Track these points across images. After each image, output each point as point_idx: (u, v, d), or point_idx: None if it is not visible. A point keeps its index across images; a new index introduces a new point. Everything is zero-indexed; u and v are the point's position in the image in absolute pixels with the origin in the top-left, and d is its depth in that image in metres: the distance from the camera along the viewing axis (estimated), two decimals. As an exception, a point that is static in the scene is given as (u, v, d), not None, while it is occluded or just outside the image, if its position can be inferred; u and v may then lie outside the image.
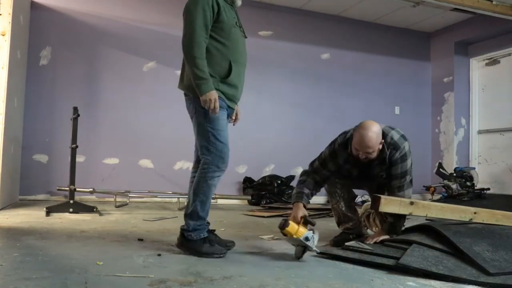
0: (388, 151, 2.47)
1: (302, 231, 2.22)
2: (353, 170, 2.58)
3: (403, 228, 2.59)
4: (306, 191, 2.53)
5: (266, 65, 5.77)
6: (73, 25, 4.98)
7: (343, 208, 2.65)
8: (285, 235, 2.25)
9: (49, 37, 4.88)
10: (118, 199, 4.55)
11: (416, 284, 1.78)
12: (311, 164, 2.67)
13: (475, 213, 2.58)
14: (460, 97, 6.41)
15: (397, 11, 5.98)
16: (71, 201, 3.76)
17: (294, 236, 2.21)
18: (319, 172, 2.60)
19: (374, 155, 2.42)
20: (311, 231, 2.25)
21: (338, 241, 2.58)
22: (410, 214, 2.50)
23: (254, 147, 5.64)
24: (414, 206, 2.45)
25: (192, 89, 2.33)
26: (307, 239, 2.20)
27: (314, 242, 2.23)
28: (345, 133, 2.61)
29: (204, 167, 2.36)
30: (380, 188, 2.65)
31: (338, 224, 2.70)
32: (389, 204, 2.39)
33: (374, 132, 2.38)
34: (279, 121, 5.82)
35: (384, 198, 2.37)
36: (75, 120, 3.87)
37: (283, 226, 2.22)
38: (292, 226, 2.22)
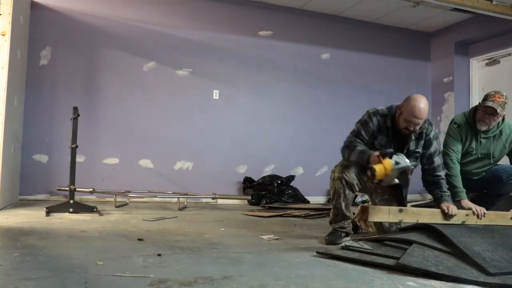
0: (426, 125, 2.67)
1: (388, 163, 2.34)
2: (389, 145, 2.66)
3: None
4: (364, 146, 2.64)
5: (266, 65, 5.77)
6: (73, 25, 4.98)
7: (344, 207, 2.67)
8: (381, 180, 2.40)
9: (49, 37, 4.88)
10: (118, 199, 4.55)
11: (416, 284, 1.78)
12: (345, 139, 2.76)
13: (466, 215, 2.59)
14: (460, 97, 6.40)
15: (397, 11, 5.98)
16: (71, 201, 3.76)
17: (389, 173, 2.33)
18: (356, 141, 2.70)
19: (419, 127, 2.60)
20: (394, 155, 2.39)
21: (332, 240, 2.63)
22: (400, 222, 2.52)
23: (254, 147, 5.64)
24: (404, 213, 2.47)
25: None
26: (397, 163, 2.35)
27: (404, 159, 2.39)
28: (372, 110, 2.74)
29: None
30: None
31: (332, 221, 2.72)
32: (378, 213, 2.41)
33: (425, 103, 2.56)
34: (279, 121, 5.82)
35: (371, 208, 2.38)
36: (75, 120, 3.87)
37: (373, 176, 2.34)
38: (379, 168, 2.34)
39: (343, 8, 5.98)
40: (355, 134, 2.73)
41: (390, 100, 6.99)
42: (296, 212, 4.22)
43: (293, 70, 5.94)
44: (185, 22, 5.44)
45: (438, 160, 2.72)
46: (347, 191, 2.64)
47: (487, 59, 6.21)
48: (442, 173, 2.71)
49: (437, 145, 2.73)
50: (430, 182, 2.72)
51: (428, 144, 2.69)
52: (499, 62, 6.05)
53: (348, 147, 2.69)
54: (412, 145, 2.67)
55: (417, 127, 2.59)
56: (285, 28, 5.91)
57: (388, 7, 5.85)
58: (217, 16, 5.59)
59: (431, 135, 2.69)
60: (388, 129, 2.66)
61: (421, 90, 6.70)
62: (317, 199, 5.60)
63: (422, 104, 2.53)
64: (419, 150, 2.69)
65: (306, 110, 5.95)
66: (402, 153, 2.62)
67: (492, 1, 5.14)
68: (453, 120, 3.21)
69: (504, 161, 3.36)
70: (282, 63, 5.87)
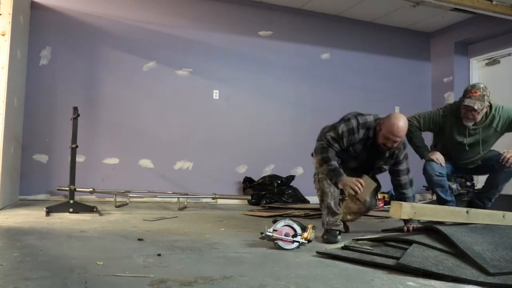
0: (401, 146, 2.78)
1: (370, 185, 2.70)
2: (362, 153, 2.79)
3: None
4: (338, 162, 2.74)
5: (266, 65, 5.78)
6: (73, 25, 4.98)
7: (333, 205, 2.80)
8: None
9: (49, 37, 4.88)
10: (118, 199, 4.55)
11: (416, 284, 1.78)
12: (324, 134, 2.77)
13: (467, 212, 2.60)
14: (460, 97, 6.40)
15: (397, 11, 5.98)
16: (71, 201, 3.76)
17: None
18: (333, 146, 2.74)
19: (396, 144, 2.68)
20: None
21: (329, 238, 2.71)
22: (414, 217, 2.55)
23: (254, 147, 5.64)
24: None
25: None
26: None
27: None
28: (360, 115, 2.77)
29: None
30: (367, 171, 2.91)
31: (325, 221, 2.82)
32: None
33: (405, 122, 2.64)
34: (279, 121, 5.82)
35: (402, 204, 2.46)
36: (75, 120, 3.87)
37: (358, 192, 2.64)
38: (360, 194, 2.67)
39: (343, 8, 5.98)
40: (335, 137, 2.73)
41: (390, 100, 7.02)
42: (296, 212, 4.22)
43: (293, 70, 5.93)
44: (185, 22, 5.44)
45: (405, 178, 2.84)
46: (332, 189, 2.78)
47: (487, 59, 6.21)
48: (408, 191, 2.84)
49: (406, 165, 2.83)
50: (396, 196, 2.90)
51: (397, 163, 2.81)
52: (499, 62, 6.05)
53: (322, 153, 2.73)
54: (383, 160, 2.80)
55: (395, 145, 2.66)
56: (285, 28, 5.91)
57: (388, 7, 5.85)
58: (217, 16, 5.59)
59: (401, 156, 2.80)
60: (368, 140, 2.73)
61: (421, 90, 6.72)
62: (317, 199, 5.60)
63: (401, 122, 2.60)
64: (386, 167, 2.84)
65: (306, 110, 5.95)
66: (368, 164, 2.83)
67: (492, 1, 5.14)
68: (445, 106, 3.28)
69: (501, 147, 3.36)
70: (282, 63, 5.87)
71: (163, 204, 4.83)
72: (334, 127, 2.77)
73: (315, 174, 2.86)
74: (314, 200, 5.53)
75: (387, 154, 2.76)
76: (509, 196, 5.37)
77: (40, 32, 4.85)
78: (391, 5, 5.80)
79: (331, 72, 6.13)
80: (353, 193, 2.65)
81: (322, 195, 2.81)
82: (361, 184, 2.63)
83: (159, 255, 2.15)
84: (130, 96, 5.14)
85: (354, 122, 2.72)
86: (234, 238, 2.79)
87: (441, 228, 2.31)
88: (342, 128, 2.73)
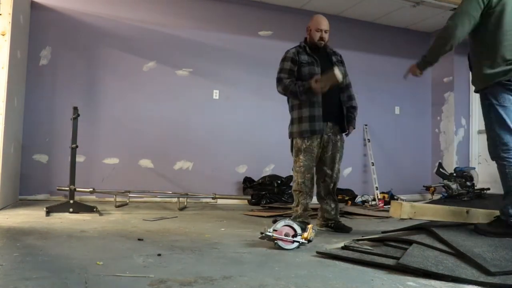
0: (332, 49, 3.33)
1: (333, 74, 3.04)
2: (310, 58, 3.17)
3: None
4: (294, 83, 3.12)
5: (266, 65, 5.76)
6: (73, 25, 4.98)
7: (308, 204, 3.25)
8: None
9: (49, 37, 4.88)
10: (118, 199, 4.55)
11: (416, 284, 1.78)
12: (278, 79, 3.19)
13: (467, 212, 2.59)
14: (460, 97, 6.41)
15: (397, 11, 5.98)
16: (71, 201, 3.76)
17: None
18: (290, 78, 3.15)
19: (327, 37, 3.22)
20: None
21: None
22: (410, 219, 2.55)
23: (254, 147, 5.64)
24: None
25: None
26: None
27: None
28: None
29: None
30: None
31: (297, 216, 3.18)
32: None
33: (323, 16, 3.24)
34: (279, 121, 5.80)
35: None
36: (75, 120, 3.87)
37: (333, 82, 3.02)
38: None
39: (343, 8, 5.98)
40: (283, 70, 3.16)
41: (390, 100, 6.98)
42: (296, 212, 4.21)
43: (293, 70, 5.92)
44: (185, 22, 5.44)
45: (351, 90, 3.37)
46: (307, 190, 3.23)
47: (487, 59, 6.20)
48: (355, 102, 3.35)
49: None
50: (348, 108, 3.30)
51: (343, 64, 3.36)
52: (499, 62, 6.04)
53: (285, 89, 3.12)
54: (340, 67, 3.15)
55: (326, 35, 3.19)
56: (285, 28, 5.91)
57: (388, 7, 5.85)
58: (217, 16, 5.59)
59: (342, 59, 3.36)
60: (305, 48, 3.22)
61: (421, 90, 6.72)
62: (316, 199, 5.59)
63: (321, 16, 3.23)
64: (341, 68, 3.20)
65: (306, 110, 5.93)
66: (331, 65, 3.16)
67: (492, 1, 5.13)
68: None
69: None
70: (282, 63, 5.86)
71: (163, 204, 4.83)
72: (278, 70, 3.22)
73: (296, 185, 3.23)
74: (313, 200, 5.53)
75: (334, 59, 3.24)
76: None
77: (40, 32, 4.85)
78: (391, 5, 5.80)
79: (331, 72, 6.12)
80: (324, 86, 3.02)
81: (300, 196, 3.23)
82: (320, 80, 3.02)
83: (159, 255, 2.16)
84: (130, 96, 5.14)
85: (282, 57, 3.25)
86: (234, 238, 2.79)
87: (440, 233, 2.30)
88: (280, 65, 3.21)
